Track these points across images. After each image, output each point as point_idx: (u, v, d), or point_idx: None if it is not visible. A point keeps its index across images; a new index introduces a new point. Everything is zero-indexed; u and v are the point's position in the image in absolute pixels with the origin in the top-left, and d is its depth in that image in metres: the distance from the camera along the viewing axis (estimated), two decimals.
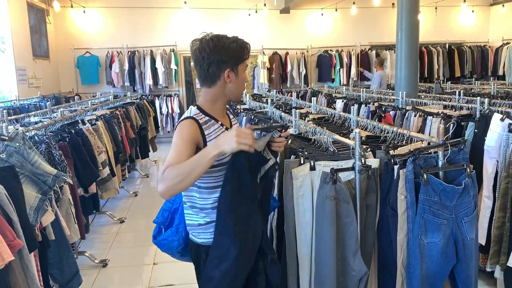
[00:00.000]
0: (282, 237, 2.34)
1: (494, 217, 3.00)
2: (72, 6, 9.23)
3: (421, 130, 3.92)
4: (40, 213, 2.17)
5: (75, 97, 6.78)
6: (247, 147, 1.58)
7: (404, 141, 2.43)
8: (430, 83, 9.31)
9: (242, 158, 1.64)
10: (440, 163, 1.95)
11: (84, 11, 9.50)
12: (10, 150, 2.16)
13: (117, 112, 5.37)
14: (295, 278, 2.18)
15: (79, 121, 3.73)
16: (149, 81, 9.50)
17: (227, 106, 2.01)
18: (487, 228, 3.10)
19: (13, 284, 1.85)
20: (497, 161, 3.05)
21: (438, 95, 5.47)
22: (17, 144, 2.18)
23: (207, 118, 1.84)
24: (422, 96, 5.50)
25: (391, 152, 2.14)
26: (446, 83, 8.69)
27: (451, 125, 3.40)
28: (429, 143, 2.09)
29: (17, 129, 2.40)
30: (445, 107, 4.40)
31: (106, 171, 3.96)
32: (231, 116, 2.03)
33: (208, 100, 1.88)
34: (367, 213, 2.06)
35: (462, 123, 3.51)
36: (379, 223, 2.10)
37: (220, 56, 1.80)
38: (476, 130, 3.30)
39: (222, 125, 1.88)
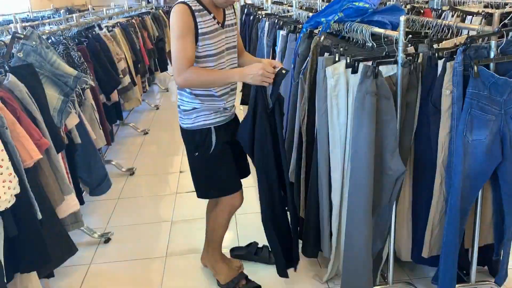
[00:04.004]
0: (312, 141, 2.26)
1: None
2: None
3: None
4: (64, 115, 2.11)
5: (89, 7, 6.50)
6: (267, 84, 1.84)
7: (449, 36, 2.22)
8: None
9: (260, 91, 1.92)
10: (492, 54, 1.76)
11: None
12: (27, 49, 2.04)
13: (133, 21, 5.14)
14: (327, 180, 2.13)
15: (96, 26, 3.55)
16: None
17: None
18: None
19: (45, 184, 1.84)
20: None
21: None
22: (34, 43, 2.05)
23: (200, 7, 1.86)
24: None
25: (435, 46, 1.95)
26: None
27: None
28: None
29: (32, 29, 2.26)
30: (486, 6, 4.06)
31: (127, 79, 3.85)
32: (228, 12, 2.04)
33: None
34: (407, 111, 1.93)
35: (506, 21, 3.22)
36: (418, 121, 1.98)
37: None
38: None
39: (214, 18, 1.91)
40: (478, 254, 2.29)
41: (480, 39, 1.84)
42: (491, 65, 1.78)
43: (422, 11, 3.07)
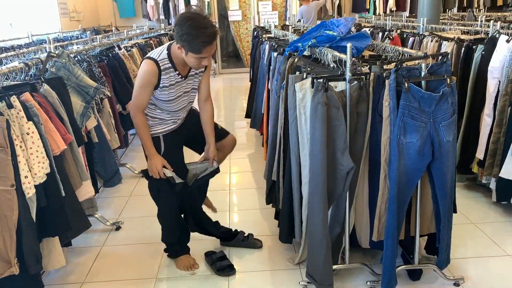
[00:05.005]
0: (288, 143, 2.71)
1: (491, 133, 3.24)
2: None
3: None
4: (85, 118, 2.63)
5: (113, 28, 7.16)
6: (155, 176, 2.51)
7: (400, 58, 2.66)
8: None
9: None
10: (422, 74, 2.21)
11: None
12: (58, 65, 2.58)
13: (151, 41, 5.73)
14: (298, 176, 2.57)
15: (116, 46, 4.12)
16: None
17: None
18: (485, 144, 3.35)
19: (67, 169, 2.34)
20: (499, 81, 3.23)
21: (462, 22, 5.46)
22: (63, 60, 2.59)
23: (169, 65, 2.37)
24: (448, 24, 5.51)
25: (385, 66, 2.41)
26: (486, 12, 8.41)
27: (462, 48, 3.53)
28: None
29: (63, 48, 2.81)
30: (464, 32, 4.48)
31: None
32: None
33: (175, 49, 2.33)
34: (358, 120, 2.38)
35: (474, 47, 3.65)
36: (371, 128, 2.41)
37: (176, 33, 2.27)
38: (483, 52, 3.45)
39: (179, 74, 2.44)
40: (429, 244, 2.70)
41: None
42: (423, 83, 2.23)
43: (391, 37, 3.51)
